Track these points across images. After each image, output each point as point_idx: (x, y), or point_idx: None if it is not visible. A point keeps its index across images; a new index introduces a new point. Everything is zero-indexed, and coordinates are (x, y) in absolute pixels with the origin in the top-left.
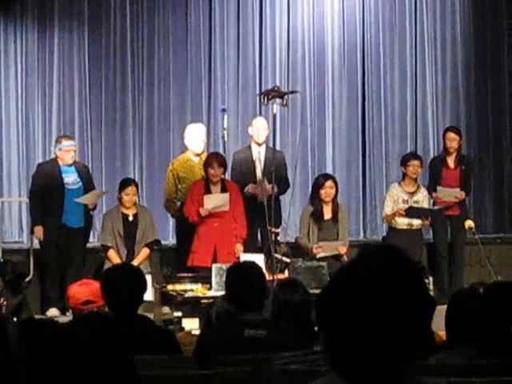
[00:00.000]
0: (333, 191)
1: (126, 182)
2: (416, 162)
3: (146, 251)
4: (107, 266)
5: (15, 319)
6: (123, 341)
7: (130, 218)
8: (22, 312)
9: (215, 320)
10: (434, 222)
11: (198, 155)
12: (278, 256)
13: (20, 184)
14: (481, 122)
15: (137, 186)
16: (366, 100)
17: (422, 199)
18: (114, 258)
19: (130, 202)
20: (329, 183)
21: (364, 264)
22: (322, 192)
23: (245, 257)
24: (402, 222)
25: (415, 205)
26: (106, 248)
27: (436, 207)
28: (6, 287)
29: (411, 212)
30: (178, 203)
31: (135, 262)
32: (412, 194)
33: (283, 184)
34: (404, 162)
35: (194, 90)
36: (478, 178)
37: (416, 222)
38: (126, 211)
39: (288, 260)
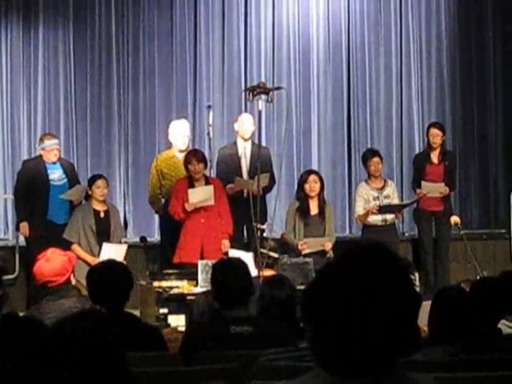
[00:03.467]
0: (317, 185)
1: (95, 176)
2: (375, 160)
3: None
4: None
5: None
6: (113, 337)
7: (102, 215)
8: (2, 307)
9: (199, 316)
10: (419, 218)
11: (182, 151)
12: (265, 251)
13: (5, 181)
14: (466, 119)
15: (107, 180)
16: (351, 97)
17: (392, 192)
18: (80, 252)
19: (102, 194)
20: (312, 177)
21: (351, 258)
22: (307, 186)
23: (233, 253)
24: (376, 218)
25: (386, 200)
26: (69, 243)
27: (407, 201)
28: None
29: (383, 209)
30: (163, 200)
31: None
32: (381, 189)
33: (269, 180)
34: (364, 161)
35: (179, 87)
36: (464, 174)
37: (390, 217)
38: (97, 207)
39: (276, 255)
